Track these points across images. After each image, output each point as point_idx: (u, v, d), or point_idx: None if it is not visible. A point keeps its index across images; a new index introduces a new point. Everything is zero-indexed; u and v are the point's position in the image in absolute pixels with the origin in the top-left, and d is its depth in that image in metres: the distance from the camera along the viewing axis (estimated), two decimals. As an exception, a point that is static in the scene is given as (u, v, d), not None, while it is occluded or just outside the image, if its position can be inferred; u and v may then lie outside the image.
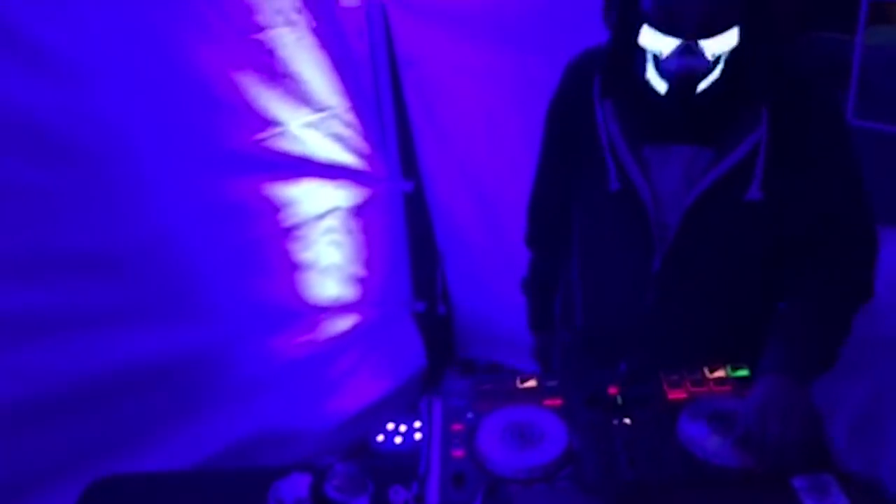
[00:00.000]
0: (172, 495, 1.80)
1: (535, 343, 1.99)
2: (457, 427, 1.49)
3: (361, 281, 2.85)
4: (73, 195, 2.08)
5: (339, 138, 2.63)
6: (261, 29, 2.33)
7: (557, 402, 1.52)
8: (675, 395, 1.52)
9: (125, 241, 2.21)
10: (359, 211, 2.77)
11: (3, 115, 1.92)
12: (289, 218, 2.56)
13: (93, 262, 2.15)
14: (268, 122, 2.42)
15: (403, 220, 2.92)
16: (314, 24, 2.46)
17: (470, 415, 1.51)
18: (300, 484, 1.61)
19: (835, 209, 1.55)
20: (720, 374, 1.56)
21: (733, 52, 1.43)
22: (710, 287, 1.62)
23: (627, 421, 1.47)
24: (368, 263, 2.85)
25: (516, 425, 1.47)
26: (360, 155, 2.71)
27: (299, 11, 2.41)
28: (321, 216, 2.65)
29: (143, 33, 2.10)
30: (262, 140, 2.43)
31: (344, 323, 2.84)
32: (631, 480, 1.33)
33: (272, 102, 2.41)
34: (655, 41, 1.43)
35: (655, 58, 1.45)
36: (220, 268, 2.44)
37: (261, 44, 2.34)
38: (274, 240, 2.55)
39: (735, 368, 1.56)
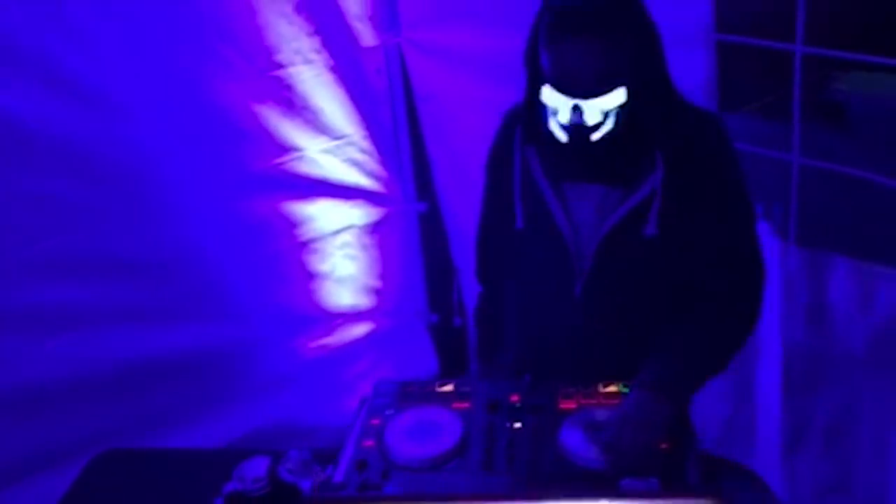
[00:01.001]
0: (167, 468, 2.13)
1: (481, 373, 2.12)
2: (375, 421, 1.75)
3: (376, 292, 3.14)
4: (112, 209, 2.47)
5: (355, 163, 2.93)
6: (280, 66, 2.65)
7: (465, 405, 1.77)
8: (566, 405, 1.74)
9: (158, 250, 2.57)
10: (374, 228, 3.06)
11: (54, 142, 2.32)
12: (306, 233, 2.88)
13: (128, 267, 2.53)
14: (286, 149, 2.75)
15: (418, 238, 3.19)
16: (332, 63, 2.76)
17: (388, 412, 1.77)
18: (260, 465, 1.89)
19: (725, 245, 1.74)
20: (613, 388, 1.77)
21: (624, 107, 1.64)
22: (627, 312, 1.83)
23: (518, 425, 1.70)
24: (383, 276, 3.14)
25: (421, 422, 1.72)
26: (376, 178, 3.00)
27: (318, 52, 2.73)
28: (337, 232, 2.96)
29: (172, 71, 2.46)
30: (282, 164, 2.75)
31: (359, 330, 3.13)
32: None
33: (291, 131, 2.74)
34: (552, 99, 1.65)
35: (554, 112, 1.67)
36: (243, 275, 2.78)
37: (280, 80, 2.67)
38: (292, 252, 2.87)
39: (627, 385, 1.77)
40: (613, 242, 1.77)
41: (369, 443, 1.69)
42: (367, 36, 2.87)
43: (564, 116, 1.64)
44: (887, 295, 2.27)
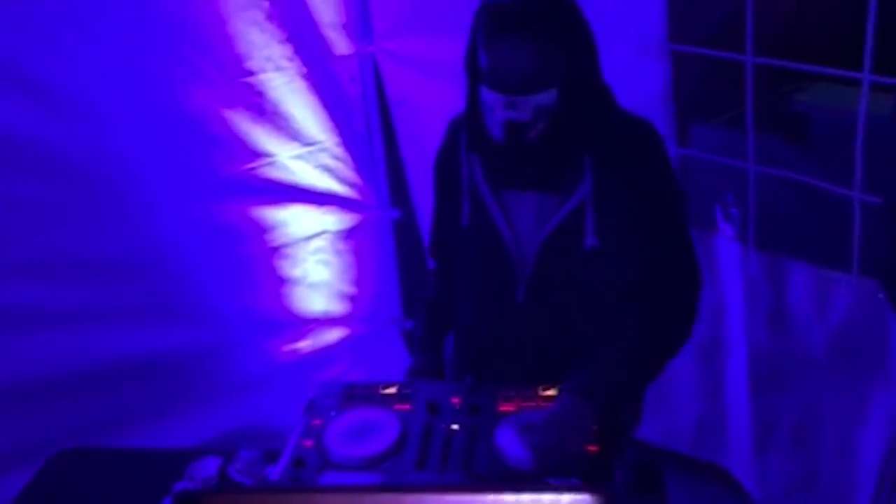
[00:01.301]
0: (124, 467, 2.15)
1: (415, 365, 2.08)
2: (316, 422, 1.77)
3: (350, 298, 3.16)
4: (83, 211, 2.51)
5: (327, 169, 2.96)
6: (251, 73, 2.69)
7: (406, 406, 1.79)
8: (506, 407, 1.76)
9: (130, 252, 2.61)
10: (348, 234, 3.09)
11: (25, 145, 2.37)
12: (278, 238, 2.91)
13: (100, 268, 2.57)
14: (258, 154, 2.78)
15: (393, 244, 3.22)
16: (304, 70, 2.80)
17: (331, 413, 1.80)
18: (211, 465, 1.92)
19: (658, 254, 1.76)
20: (552, 392, 1.78)
21: (556, 108, 1.67)
22: (567, 317, 1.85)
23: (456, 426, 1.72)
24: (357, 282, 3.17)
25: (360, 423, 1.74)
26: (349, 184, 3.03)
27: (290, 59, 2.77)
28: (309, 238, 2.99)
29: (143, 76, 2.51)
30: (253, 169, 2.79)
31: (332, 335, 3.15)
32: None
33: (262, 137, 2.77)
34: (488, 97, 1.68)
35: (491, 111, 1.71)
36: (215, 278, 2.82)
37: (251, 86, 2.71)
38: (264, 256, 2.90)
39: (563, 388, 1.79)
40: (552, 249, 1.80)
41: (309, 443, 1.72)
42: (340, 44, 2.91)
43: (500, 114, 1.67)
44: (843, 300, 2.29)
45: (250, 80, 2.70)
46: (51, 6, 2.34)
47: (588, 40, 1.70)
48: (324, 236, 3.04)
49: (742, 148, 2.35)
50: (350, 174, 3.03)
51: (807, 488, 2.64)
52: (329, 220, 3.04)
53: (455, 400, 1.79)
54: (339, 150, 2.98)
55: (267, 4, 2.66)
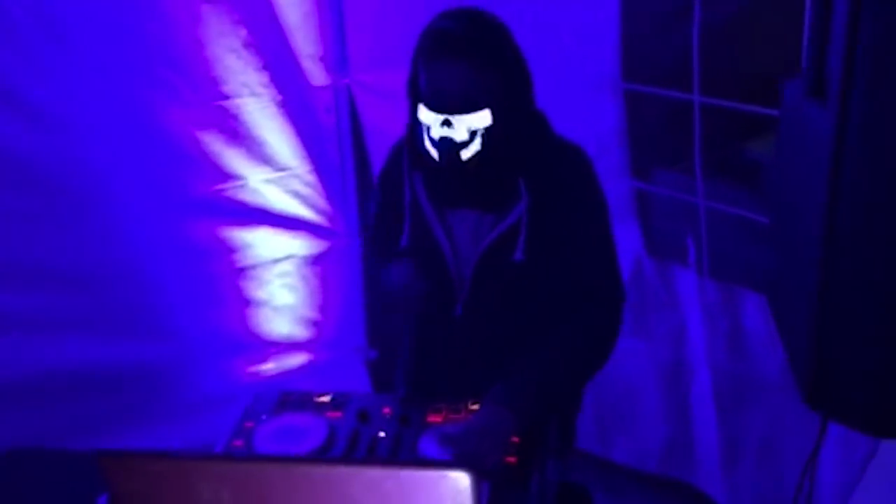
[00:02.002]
0: (67, 468, 2.19)
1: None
2: (248, 424, 1.82)
3: (315, 323, 3.21)
4: (50, 220, 2.57)
5: (297, 195, 3.03)
6: (226, 97, 2.78)
7: (337, 414, 1.83)
8: (434, 418, 1.80)
9: (94, 264, 2.66)
10: (315, 260, 3.14)
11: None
12: (244, 259, 2.97)
13: (63, 278, 2.62)
14: (229, 176, 2.85)
15: (360, 273, 3.27)
16: (279, 98, 2.89)
17: (264, 416, 1.84)
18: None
19: (585, 271, 1.82)
20: (478, 406, 1.82)
21: (490, 130, 1.76)
22: (501, 332, 1.91)
23: (382, 434, 1.76)
24: (323, 308, 3.21)
25: (289, 427, 1.78)
26: (319, 211, 3.10)
27: (265, 86, 2.85)
28: (277, 261, 3.04)
29: (118, 93, 2.58)
30: (223, 190, 2.86)
31: (295, 360, 3.19)
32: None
33: (234, 159, 2.84)
34: (426, 116, 1.79)
35: (428, 131, 1.79)
36: (179, 295, 2.87)
37: (226, 110, 2.78)
38: (229, 277, 2.96)
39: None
40: (486, 266, 1.88)
41: (238, 442, 1.76)
42: (317, 76, 3.00)
43: (436, 132, 1.75)
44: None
45: (225, 103, 2.78)
46: (31, 20, 2.43)
47: (522, 68, 1.80)
48: (291, 261, 3.09)
49: (709, 191, 2.44)
50: (320, 201, 3.09)
51: (775, 500, 2.70)
52: (297, 245, 3.09)
53: (386, 410, 1.84)
54: (311, 178, 3.05)
55: (245, 32, 2.76)
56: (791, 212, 1.45)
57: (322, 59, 3.00)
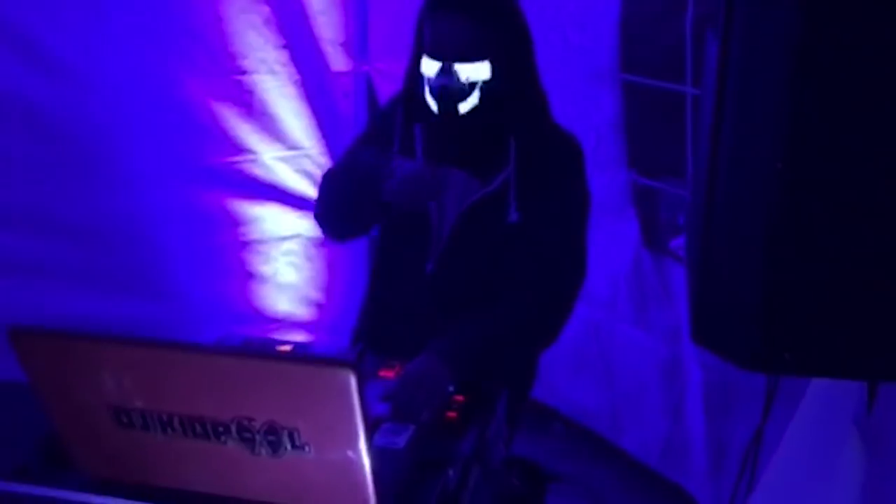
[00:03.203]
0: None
1: None
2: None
3: (317, 305, 3.25)
4: (62, 171, 2.67)
5: (308, 175, 3.09)
6: (244, 72, 2.87)
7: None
8: (386, 373, 1.81)
9: (101, 219, 2.75)
10: (322, 242, 3.20)
11: (19, 104, 2.55)
12: (251, 233, 3.04)
13: (69, 229, 2.71)
14: (240, 149, 2.93)
15: (366, 260, 3.31)
16: (297, 78, 2.97)
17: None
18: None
19: (544, 247, 1.85)
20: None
21: (488, 85, 1.81)
22: (471, 292, 1.92)
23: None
24: (327, 291, 3.26)
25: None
26: (329, 194, 3.15)
27: (284, 65, 2.93)
28: (283, 238, 3.11)
29: (138, 56, 2.69)
30: (234, 163, 2.94)
31: (295, 338, 3.23)
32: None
33: (247, 134, 2.92)
34: (427, 66, 1.85)
35: (429, 81, 1.84)
36: (183, 259, 2.94)
37: (242, 84, 2.87)
38: (235, 248, 3.03)
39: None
40: (468, 227, 1.91)
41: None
42: (338, 61, 3.08)
43: (435, 81, 1.81)
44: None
45: (242, 78, 2.87)
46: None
47: (521, 29, 1.87)
48: (297, 240, 3.15)
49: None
50: (331, 184, 3.16)
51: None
52: (304, 225, 3.15)
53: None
54: (323, 160, 3.11)
55: (267, 10, 2.85)
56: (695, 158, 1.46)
57: (344, 44, 3.08)
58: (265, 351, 1.09)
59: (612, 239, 2.68)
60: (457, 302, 1.92)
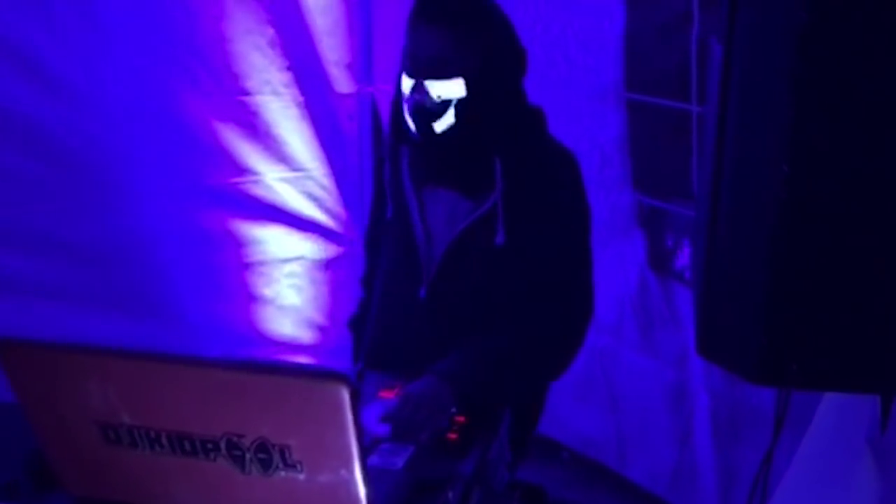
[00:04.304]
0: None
1: None
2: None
3: (320, 328, 3.22)
4: (65, 192, 2.65)
5: (312, 197, 3.07)
6: (247, 93, 2.86)
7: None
8: (385, 393, 1.77)
9: (102, 239, 2.73)
10: (326, 265, 3.17)
11: (16, 120, 2.53)
12: (253, 254, 3.01)
13: (69, 249, 2.69)
14: (243, 170, 2.92)
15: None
16: (301, 99, 2.96)
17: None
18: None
19: (555, 272, 1.80)
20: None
21: (464, 102, 1.74)
22: (464, 318, 1.88)
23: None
24: (330, 314, 3.22)
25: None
26: (333, 216, 3.13)
27: (287, 86, 2.93)
28: (286, 260, 3.08)
29: (142, 76, 2.69)
30: (237, 184, 2.92)
31: (297, 361, 3.20)
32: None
33: (250, 154, 2.91)
34: (405, 84, 1.80)
35: (405, 97, 1.80)
36: (185, 281, 2.91)
37: (246, 105, 2.87)
38: (236, 270, 3.00)
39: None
40: (459, 250, 1.85)
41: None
42: (342, 82, 3.07)
43: (409, 98, 1.76)
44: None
45: (246, 98, 2.87)
46: (67, 4, 2.56)
47: (506, 45, 1.79)
48: (300, 262, 3.13)
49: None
50: (334, 205, 3.13)
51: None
52: (308, 247, 3.13)
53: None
54: (327, 181, 3.10)
55: (272, 32, 2.85)
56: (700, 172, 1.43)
57: (348, 66, 3.08)
58: (255, 363, 1.06)
59: (616, 261, 2.64)
60: (453, 327, 1.87)
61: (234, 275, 3.01)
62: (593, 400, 2.94)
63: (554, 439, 2.96)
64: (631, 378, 2.77)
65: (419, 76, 1.74)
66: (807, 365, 1.08)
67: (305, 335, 3.21)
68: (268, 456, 1.08)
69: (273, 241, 3.05)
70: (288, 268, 3.11)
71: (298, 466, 1.09)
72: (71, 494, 1.18)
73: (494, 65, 1.77)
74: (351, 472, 1.09)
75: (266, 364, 1.09)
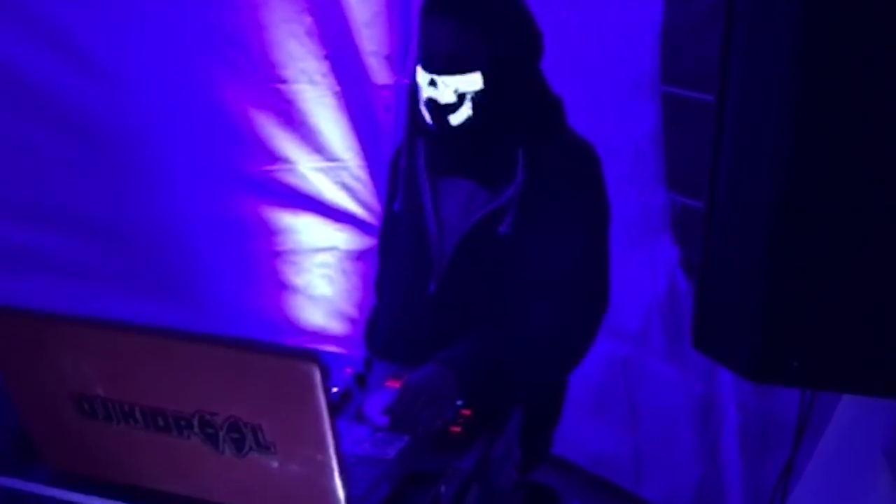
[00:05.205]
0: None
1: None
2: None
3: (351, 320, 3.20)
4: (99, 172, 2.67)
5: (346, 187, 3.05)
6: (284, 81, 2.85)
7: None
8: (392, 383, 1.74)
9: (133, 222, 2.75)
10: (358, 256, 3.15)
11: (53, 99, 2.55)
12: (285, 243, 3.01)
13: (100, 230, 2.70)
14: (277, 158, 2.91)
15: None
16: (338, 89, 2.94)
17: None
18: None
19: (571, 264, 1.74)
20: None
21: (481, 95, 1.70)
22: (477, 311, 1.83)
23: (335, 389, 1.70)
24: (361, 306, 3.20)
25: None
26: (367, 207, 3.11)
27: (324, 75, 2.92)
28: (318, 250, 3.07)
29: (178, 60, 2.69)
30: (271, 171, 2.92)
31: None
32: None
33: (285, 143, 2.91)
34: (420, 76, 1.76)
35: (420, 91, 1.76)
36: (214, 266, 2.92)
37: (281, 93, 2.86)
38: (267, 257, 3.00)
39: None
40: (471, 242, 1.81)
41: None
42: (380, 74, 3.05)
43: (424, 93, 1.71)
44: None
45: (282, 87, 2.86)
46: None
47: (525, 35, 1.74)
48: (333, 252, 3.11)
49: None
50: (369, 197, 3.11)
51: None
52: (341, 238, 3.11)
53: (347, 369, 1.79)
54: (362, 173, 3.08)
55: (310, 20, 2.84)
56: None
57: (387, 57, 3.05)
58: (226, 338, 1.03)
59: (646, 264, 2.53)
60: (462, 322, 1.82)
61: (265, 263, 3.01)
62: (610, 414, 2.82)
63: (562, 457, 2.78)
64: (654, 390, 2.64)
65: (433, 71, 1.70)
66: (808, 362, 1.01)
67: (335, 326, 3.19)
68: (240, 436, 1.06)
69: (305, 230, 3.04)
70: (320, 258, 3.10)
71: (272, 448, 1.06)
72: (49, 467, 1.17)
73: (512, 53, 1.72)
74: (326, 456, 1.06)
75: (236, 340, 1.06)
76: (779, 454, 2.41)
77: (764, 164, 1.00)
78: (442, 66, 1.69)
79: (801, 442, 1.43)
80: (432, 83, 1.70)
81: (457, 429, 1.59)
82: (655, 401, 2.77)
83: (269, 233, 2.98)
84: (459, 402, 1.63)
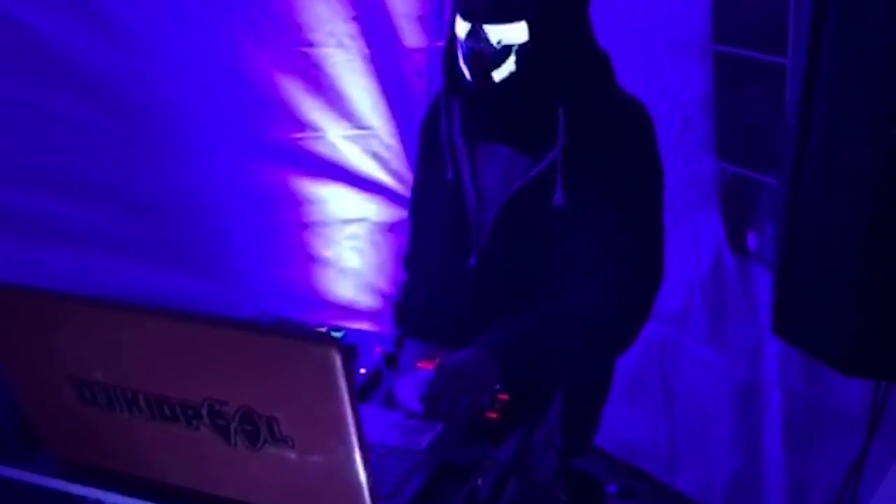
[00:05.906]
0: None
1: None
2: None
3: (382, 294, 3.09)
4: (126, 143, 2.57)
5: (377, 156, 2.94)
6: (311, 45, 2.73)
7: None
8: (423, 364, 1.63)
9: (159, 192, 2.64)
10: (390, 228, 3.03)
11: (78, 67, 2.44)
12: (314, 214, 2.90)
13: (126, 200, 2.60)
14: (305, 126, 2.80)
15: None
16: (367, 52, 2.81)
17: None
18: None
19: (620, 234, 1.60)
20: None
21: (526, 49, 1.57)
22: (521, 286, 1.71)
23: (363, 370, 1.60)
24: (393, 280, 3.09)
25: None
26: (398, 177, 2.99)
27: (353, 38, 2.79)
28: (348, 221, 2.96)
29: (203, 26, 2.58)
30: (299, 140, 2.80)
31: (355, 327, 3.08)
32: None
33: (313, 110, 2.79)
34: (459, 27, 1.63)
35: (461, 44, 1.63)
36: (242, 237, 2.82)
37: (309, 57, 2.74)
38: (296, 229, 2.89)
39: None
40: (513, 212, 1.69)
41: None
42: (412, 36, 2.91)
43: (465, 45, 1.59)
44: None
45: (310, 50, 2.74)
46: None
47: None
48: (362, 224, 3.00)
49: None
50: (400, 166, 2.99)
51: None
52: (371, 209, 3.00)
53: (377, 349, 1.69)
54: (392, 140, 2.96)
55: (337, -20, 2.72)
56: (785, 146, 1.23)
57: (420, 19, 2.92)
58: (236, 320, 0.92)
59: (689, 239, 2.36)
60: (504, 299, 1.70)
61: (292, 234, 2.91)
62: (643, 400, 2.68)
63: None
64: (692, 374, 2.48)
65: (476, 19, 1.56)
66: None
67: (366, 300, 3.09)
68: (254, 428, 0.95)
69: (334, 200, 2.93)
70: (349, 229, 2.99)
71: (289, 441, 0.96)
72: (51, 456, 1.08)
73: (561, 4, 1.59)
74: (349, 449, 0.95)
75: (248, 322, 0.95)
76: (827, 445, 2.27)
77: (863, 134, 0.86)
78: (485, 13, 1.56)
79: (873, 436, 1.29)
80: (473, 32, 1.57)
81: (494, 415, 1.48)
82: (693, 386, 2.61)
83: (297, 203, 2.88)
84: (497, 386, 1.52)
